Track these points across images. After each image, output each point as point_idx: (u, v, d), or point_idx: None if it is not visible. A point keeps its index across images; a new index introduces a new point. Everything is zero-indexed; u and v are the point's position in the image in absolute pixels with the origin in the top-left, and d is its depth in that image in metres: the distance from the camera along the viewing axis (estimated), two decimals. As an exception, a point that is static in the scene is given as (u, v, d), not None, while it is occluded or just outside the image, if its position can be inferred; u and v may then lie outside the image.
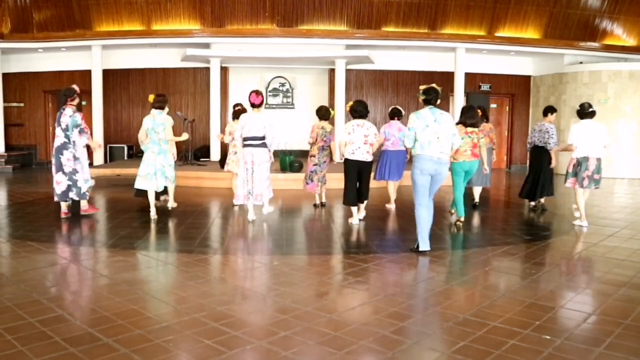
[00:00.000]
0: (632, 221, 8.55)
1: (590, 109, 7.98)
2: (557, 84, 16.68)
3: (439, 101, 6.31)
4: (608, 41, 16.46)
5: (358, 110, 7.98)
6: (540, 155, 9.30)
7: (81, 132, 8.03)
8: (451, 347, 3.66)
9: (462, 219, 7.88)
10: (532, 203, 9.53)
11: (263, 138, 7.92)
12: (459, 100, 15.77)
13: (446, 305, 4.57)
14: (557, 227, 8.32)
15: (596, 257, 6.46)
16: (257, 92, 8.00)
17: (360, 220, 8.12)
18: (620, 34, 16.49)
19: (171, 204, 8.77)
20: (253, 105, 7.96)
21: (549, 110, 9.50)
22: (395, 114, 9.48)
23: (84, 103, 15.45)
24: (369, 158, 7.94)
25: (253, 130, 7.87)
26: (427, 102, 6.24)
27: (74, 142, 8.00)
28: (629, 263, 5.96)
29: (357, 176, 7.95)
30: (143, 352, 3.50)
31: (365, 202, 8.26)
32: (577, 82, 16.02)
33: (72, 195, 8.08)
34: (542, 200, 9.45)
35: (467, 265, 5.95)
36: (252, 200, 8.02)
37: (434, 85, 6.37)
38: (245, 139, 7.94)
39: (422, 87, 6.35)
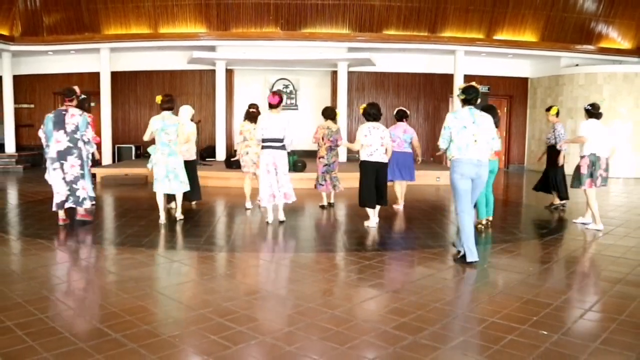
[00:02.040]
0: (627, 219, 8.53)
1: (600, 110, 7.80)
2: (553, 86, 16.65)
3: (478, 100, 5.86)
4: (603, 44, 16.45)
5: (372, 113, 7.76)
6: (557, 154, 9.31)
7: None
8: (451, 342, 3.66)
9: (484, 220, 7.68)
10: (563, 201, 9.49)
11: (282, 140, 7.71)
12: (458, 102, 15.70)
13: (446, 301, 4.56)
14: (554, 225, 8.30)
15: (592, 254, 6.45)
16: (274, 93, 7.78)
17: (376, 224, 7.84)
18: (615, 37, 16.48)
19: (179, 214, 8.06)
20: (270, 106, 7.69)
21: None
22: (401, 116, 9.43)
23: (92, 104, 15.50)
24: (386, 159, 7.79)
25: (274, 132, 7.62)
26: (466, 102, 5.84)
27: (81, 144, 7.45)
28: (623, 260, 5.95)
29: (375, 178, 7.75)
30: (150, 347, 3.50)
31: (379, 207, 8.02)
32: (573, 84, 15.99)
33: (69, 204, 7.53)
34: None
35: (466, 262, 5.93)
36: (280, 200, 7.80)
37: (473, 83, 5.95)
38: (264, 141, 7.68)
39: (461, 86, 5.95)
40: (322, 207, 9.31)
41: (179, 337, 3.71)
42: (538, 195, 10.12)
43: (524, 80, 17.92)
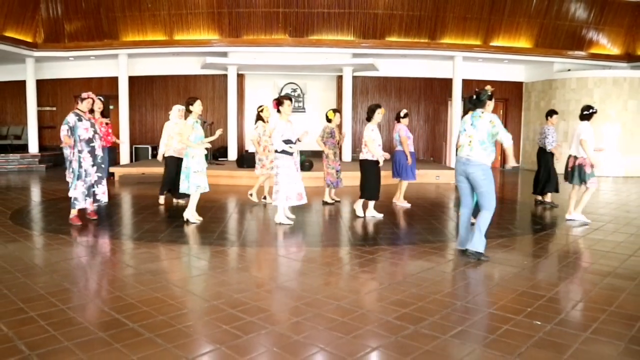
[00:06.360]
0: (616, 216, 8.49)
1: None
2: (547, 90, 16.59)
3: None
4: (594, 50, 16.41)
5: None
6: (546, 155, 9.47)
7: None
8: (450, 332, 3.64)
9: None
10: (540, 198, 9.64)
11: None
12: (457, 105, 15.71)
13: (445, 293, 4.55)
14: (547, 221, 8.27)
15: (583, 249, 6.42)
16: (274, 99, 7.77)
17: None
18: (605, 44, 16.42)
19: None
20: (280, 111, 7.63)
21: (554, 112, 9.54)
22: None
23: (111, 107, 15.56)
24: (362, 156, 8.25)
25: (292, 135, 7.60)
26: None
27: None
28: (613, 254, 5.92)
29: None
30: (166, 337, 3.51)
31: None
32: (565, 88, 15.93)
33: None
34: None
35: (464, 256, 5.91)
36: (303, 200, 7.70)
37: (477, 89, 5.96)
38: (288, 142, 7.47)
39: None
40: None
41: (192, 327, 3.71)
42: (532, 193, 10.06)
43: (519, 85, 17.87)
